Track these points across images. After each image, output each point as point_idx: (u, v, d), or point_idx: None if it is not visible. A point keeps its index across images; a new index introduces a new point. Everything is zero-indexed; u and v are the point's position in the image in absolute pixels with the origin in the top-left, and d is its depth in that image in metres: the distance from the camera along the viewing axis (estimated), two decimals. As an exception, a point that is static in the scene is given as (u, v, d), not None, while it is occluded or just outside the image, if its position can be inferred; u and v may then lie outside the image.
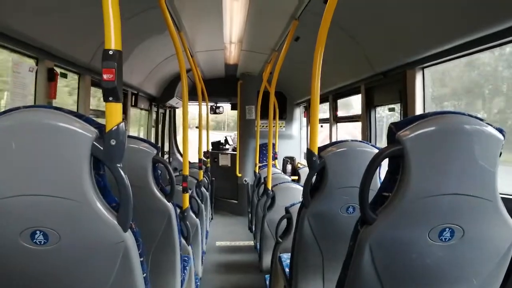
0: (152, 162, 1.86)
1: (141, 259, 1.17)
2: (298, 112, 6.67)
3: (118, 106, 1.08)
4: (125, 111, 4.57)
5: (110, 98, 1.07)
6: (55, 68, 2.58)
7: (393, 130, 1.10)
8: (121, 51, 1.07)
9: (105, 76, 1.04)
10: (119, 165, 1.06)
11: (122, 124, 1.07)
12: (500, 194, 1.11)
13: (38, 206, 1.02)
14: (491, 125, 1.08)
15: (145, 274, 1.19)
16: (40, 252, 1.05)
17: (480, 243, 1.12)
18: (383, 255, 1.13)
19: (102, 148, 1.04)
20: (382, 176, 1.24)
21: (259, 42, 4.35)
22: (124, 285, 1.14)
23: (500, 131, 1.08)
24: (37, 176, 1.01)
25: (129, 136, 1.89)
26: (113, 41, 1.06)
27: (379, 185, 1.67)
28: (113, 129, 1.05)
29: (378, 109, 3.35)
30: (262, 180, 4.01)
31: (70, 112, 1.06)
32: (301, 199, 1.89)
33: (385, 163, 1.17)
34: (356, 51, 3.08)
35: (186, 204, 2.46)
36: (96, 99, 3.67)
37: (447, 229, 1.09)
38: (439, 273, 1.15)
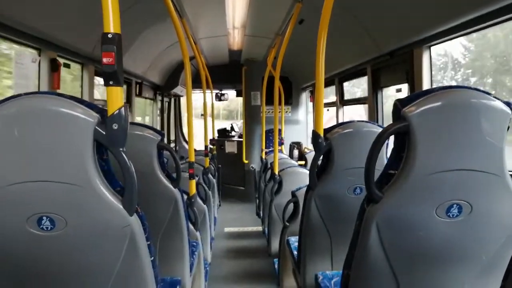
0: (157, 148, 1.86)
1: (148, 242, 1.17)
2: (304, 97, 6.62)
3: (119, 90, 1.07)
4: (129, 101, 4.58)
5: (111, 82, 1.06)
6: (57, 58, 2.58)
7: (398, 106, 1.08)
8: (120, 34, 1.06)
9: (104, 60, 1.03)
10: (122, 149, 1.05)
11: (124, 108, 1.06)
12: (509, 171, 1.09)
13: (44, 192, 1.03)
14: (499, 99, 1.05)
15: (152, 258, 1.20)
16: (47, 238, 1.06)
17: (488, 218, 1.10)
18: (390, 233, 1.12)
19: (104, 133, 1.03)
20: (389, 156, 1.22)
21: (263, 26, 4.29)
22: (132, 269, 1.15)
23: (508, 104, 1.06)
24: (41, 162, 1.02)
25: (134, 123, 1.89)
26: (111, 24, 1.05)
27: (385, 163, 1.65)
28: (115, 113, 1.04)
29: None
30: (269, 166, 4.01)
31: (71, 98, 1.06)
32: (308, 183, 1.88)
33: (390, 144, 1.15)
34: (362, 31, 3.02)
35: (193, 190, 2.47)
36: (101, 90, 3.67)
37: (455, 205, 1.08)
38: (447, 249, 1.14)
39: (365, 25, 2.95)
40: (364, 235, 1.14)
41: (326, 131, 1.79)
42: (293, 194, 2.47)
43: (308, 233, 1.89)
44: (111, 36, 1.04)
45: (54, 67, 2.54)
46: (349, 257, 1.26)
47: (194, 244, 2.36)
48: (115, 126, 1.04)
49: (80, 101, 1.06)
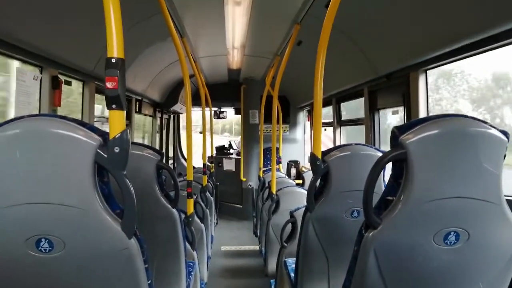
0: (156, 168, 1.86)
1: (146, 265, 1.17)
2: (302, 116, 6.67)
3: (121, 114, 1.08)
4: (129, 118, 4.60)
5: (114, 106, 1.07)
6: (59, 76, 2.61)
7: (396, 133, 1.10)
8: (124, 59, 1.08)
9: (108, 84, 1.05)
10: (123, 172, 1.06)
11: (126, 132, 1.07)
12: (505, 196, 1.10)
13: (43, 214, 1.03)
14: (495, 128, 1.07)
15: (149, 281, 1.19)
16: (45, 259, 1.05)
17: (485, 246, 1.11)
18: (388, 259, 1.12)
19: (106, 156, 1.04)
20: (387, 179, 1.23)
21: (262, 47, 4.36)
22: None
23: (504, 133, 1.08)
24: (42, 185, 1.02)
25: (133, 143, 1.90)
26: (115, 49, 1.07)
27: (383, 188, 1.66)
28: (117, 136, 1.06)
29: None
30: (267, 184, 4.00)
31: (73, 120, 1.07)
32: (305, 203, 1.88)
33: (389, 167, 1.17)
34: (359, 54, 3.08)
35: (191, 209, 2.46)
36: (101, 106, 3.69)
37: (452, 233, 1.08)
38: (445, 277, 1.14)
39: (362, 48, 3.01)
40: (362, 261, 1.14)
41: (324, 153, 1.80)
42: (291, 214, 2.47)
43: (306, 256, 1.88)
44: (114, 60, 1.06)
45: (56, 85, 2.56)
46: (346, 283, 1.26)
47: (191, 264, 2.34)
48: (116, 149, 1.05)
49: (82, 123, 1.08)
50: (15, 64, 2.29)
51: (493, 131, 1.06)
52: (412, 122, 1.10)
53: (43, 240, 1.04)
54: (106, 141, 1.06)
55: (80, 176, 1.03)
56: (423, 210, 1.07)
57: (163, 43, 3.71)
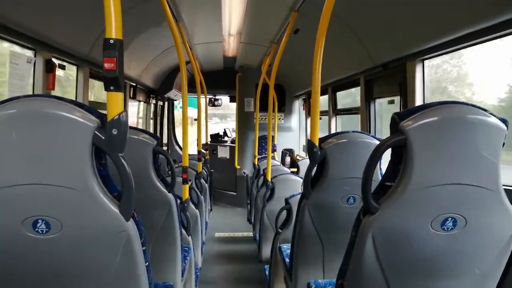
0: (153, 153, 1.86)
1: (143, 248, 1.17)
2: (297, 105, 6.66)
3: (120, 96, 1.07)
4: (123, 103, 4.55)
5: (111, 88, 1.06)
6: (53, 59, 2.57)
7: (396, 120, 1.10)
8: (122, 40, 1.06)
9: (106, 65, 1.04)
10: (120, 154, 1.06)
11: (124, 114, 1.06)
12: (503, 185, 1.12)
13: (40, 195, 1.02)
14: (494, 116, 1.08)
15: (147, 263, 1.20)
16: (42, 241, 1.05)
17: (482, 232, 1.12)
18: (385, 244, 1.13)
19: (103, 138, 1.03)
20: (383, 167, 1.25)
21: (258, 34, 4.32)
22: (127, 274, 1.15)
23: (504, 121, 1.08)
24: (38, 166, 1.01)
25: (129, 127, 1.89)
26: (114, 30, 1.05)
27: (379, 176, 1.68)
28: (115, 118, 1.05)
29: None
30: (262, 172, 4.02)
31: (70, 101, 1.06)
32: (300, 191, 1.89)
33: (385, 155, 1.18)
34: (356, 43, 3.07)
35: (186, 195, 2.47)
36: (93, 90, 3.66)
37: (450, 219, 1.10)
38: (441, 262, 1.16)
39: (360, 36, 2.99)
40: (359, 246, 1.16)
41: (321, 140, 1.81)
42: (287, 201, 2.49)
43: (301, 241, 1.90)
44: (113, 41, 1.05)
45: (49, 68, 2.52)
46: (343, 267, 1.27)
47: (186, 249, 2.36)
48: (114, 131, 1.04)
49: (79, 105, 1.07)
50: (7, 46, 2.25)
51: (493, 119, 1.07)
52: (412, 108, 1.11)
53: (40, 221, 1.04)
54: (104, 123, 1.05)
55: (78, 158, 1.02)
56: (421, 196, 1.08)
57: (158, 28, 3.66)
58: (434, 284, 1.19)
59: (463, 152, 1.06)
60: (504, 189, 1.11)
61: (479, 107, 1.09)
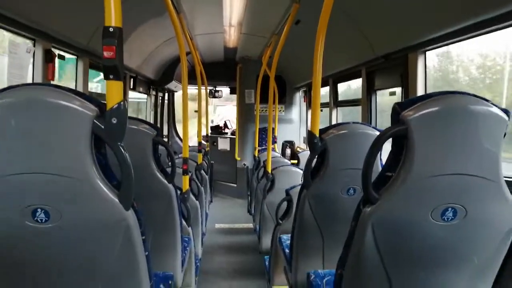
0: (152, 143, 1.85)
1: (143, 237, 1.17)
2: (298, 96, 6.64)
3: (119, 84, 1.07)
4: (123, 94, 4.54)
5: (111, 76, 1.06)
6: (52, 49, 2.55)
7: (397, 110, 1.10)
8: (122, 28, 1.05)
9: (105, 54, 1.03)
10: (120, 143, 1.05)
11: (123, 103, 1.06)
12: (504, 177, 1.11)
13: (39, 184, 1.02)
14: (496, 106, 1.07)
15: (147, 253, 1.20)
16: (41, 230, 1.05)
17: (482, 223, 1.12)
18: (385, 234, 1.14)
19: (103, 127, 1.03)
20: (383, 158, 1.24)
21: (259, 25, 4.29)
22: (127, 263, 1.15)
23: (505, 112, 1.08)
24: (37, 154, 1.01)
25: (129, 117, 1.88)
26: (113, 18, 1.04)
27: (379, 167, 1.67)
28: (114, 107, 1.04)
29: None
30: (262, 164, 4.02)
31: (70, 90, 1.05)
32: (300, 182, 1.90)
33: (385, 147, 1.17)
34: (357, 34, 3.04)
35: (186, 186, 2.47)
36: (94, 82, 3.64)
37: (450, 209, 1.10)
38: (441, 253, 1.16)
39: (361, 28, 2.97)
40: (359, 236, 1.16)
41: (322, 131, 1.80)
42: (287, 192, 2.49)
43: (301, 232, 1.90)
44: (112, 29, 1.04)
45: (49, 58, 2.51)
46: (343, 257, 1.28)
47: (186, 239, 2.37)
48: (114, 120, 1.04)
49: (78, 93, 1.06)
50: (7, 35, 2.23)
51: (494, 109, 1.06)
52: (413, 99, 1.10)
53: (39, 210, 1.04)
54: (103, 112, 1.05)
55: (77, 147, 1.02)
56: (421, 186, 1.08)
57: (159, 19, 3.63)
58: (434, 274, 1.19)
59: (464, 142, 1.06)
60: (506, 181, 1.11)
61: (481, 97, 1.08)
